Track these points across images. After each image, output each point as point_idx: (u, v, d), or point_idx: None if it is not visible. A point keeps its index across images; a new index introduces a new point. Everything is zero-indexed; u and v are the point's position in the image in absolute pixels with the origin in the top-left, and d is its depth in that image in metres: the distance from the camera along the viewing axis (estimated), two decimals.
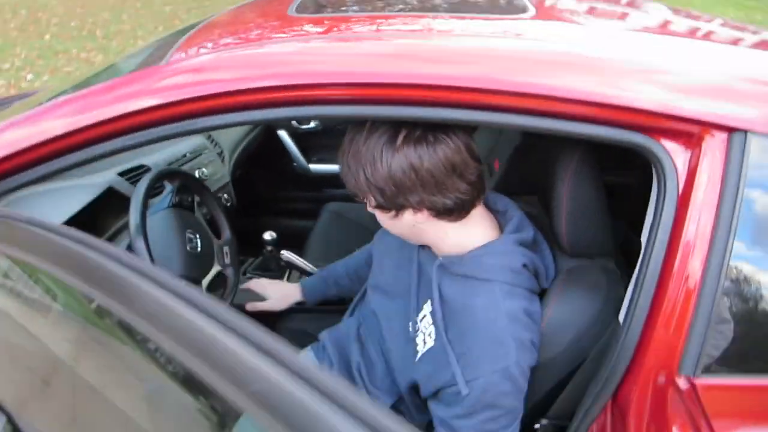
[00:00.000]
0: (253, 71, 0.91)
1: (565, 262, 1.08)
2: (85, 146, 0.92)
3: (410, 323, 1.07)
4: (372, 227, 2.35)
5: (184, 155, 1.88)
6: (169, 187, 1.48)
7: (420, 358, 1.02)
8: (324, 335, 1.37)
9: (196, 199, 1.55)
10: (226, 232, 1.60)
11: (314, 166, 2.68)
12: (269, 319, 1.63)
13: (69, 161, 0.94)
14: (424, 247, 1.09)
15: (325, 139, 2.67)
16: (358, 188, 0.96)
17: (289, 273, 1.94)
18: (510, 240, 1.00)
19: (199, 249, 1.44)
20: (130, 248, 1.30)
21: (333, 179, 2.69)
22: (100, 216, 1.57)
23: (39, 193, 1.40)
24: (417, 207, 0.94)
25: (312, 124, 2.64)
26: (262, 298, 1.55)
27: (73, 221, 1.42)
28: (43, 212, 1.38)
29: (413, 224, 0.98)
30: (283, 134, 2.65)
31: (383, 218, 1.00)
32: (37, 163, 0.94)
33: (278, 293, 1.54)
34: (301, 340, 1.47)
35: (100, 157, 0.93)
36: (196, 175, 1.87)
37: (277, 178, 2.75)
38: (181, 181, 1.49)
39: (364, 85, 0.89)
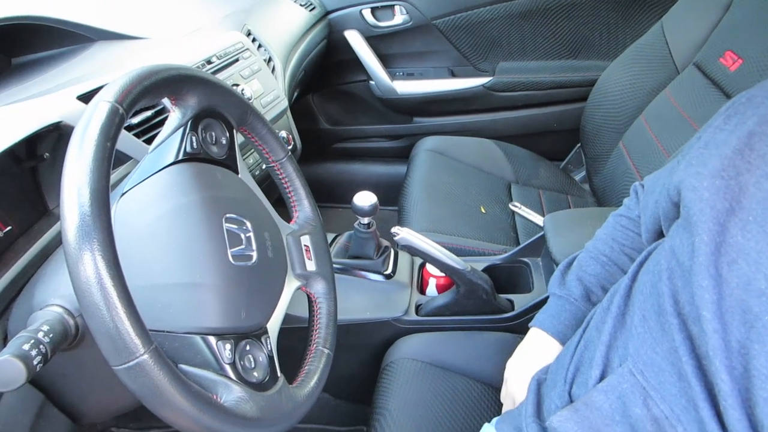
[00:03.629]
0: None
1: None
2: None
3: None
4: (487, 167, 1.61)
5: (208, 60, 1.03)
6: (177, 113, 0.64)
7: None
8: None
9: (238, 140, 0.72)
10: (304, 205, 0.78)
11: (401, 85, 1.80)
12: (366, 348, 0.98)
13: None
14: None
15: (415, 42, 1.78)
16: None
17: (396, 258, 1.10)
18: None
19: (254, 254, 0.63)
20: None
21: (427, 103, 1.82)
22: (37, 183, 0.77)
23: None
24: None
25: (399, 19, 1.74)
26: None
27: None
28: None
29: None
30: (354, 37, 1.76)
31: None
32: None
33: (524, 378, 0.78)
34: (433, 378, 0.87)
35: None
36: None
37: (346, 103, 1.89)
38: (205, 99, 0.65)
39: None
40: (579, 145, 1.73)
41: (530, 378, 0.72)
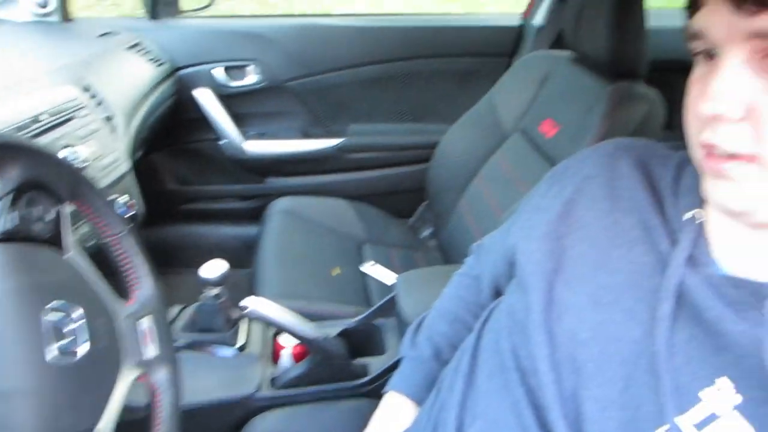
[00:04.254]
0: None
1: None
2: None
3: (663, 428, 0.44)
4: (340, 227, 1.66)
5: (35, 118, 0.94)
6: None
7: None
8: None
9: (65, 211, 0.65)
10: (145, 283, 0.72)
11: (252, 145, 1.78)
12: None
13: None
14: (697, 251, 0.49)
15: (268, 103, 1.79)
16: None
17: (249, 329, 1.06)
18: None
19: (83, 347, 0.56)
20: None
21: (280, 164, 1.82)
22: None
23: None
24: None
25: (251, 79, 1.74)
26: None
27: None
28: None
29: None
30: (204, 95, 1.72)
31: None
32: None
33: None
34: None
35: None
36: (62, 156, 0.95)
37: (196, 162, 1.82)
38: (29, 171, 0.59)
39: None
40: (425, 203, 1.83)
41: None
